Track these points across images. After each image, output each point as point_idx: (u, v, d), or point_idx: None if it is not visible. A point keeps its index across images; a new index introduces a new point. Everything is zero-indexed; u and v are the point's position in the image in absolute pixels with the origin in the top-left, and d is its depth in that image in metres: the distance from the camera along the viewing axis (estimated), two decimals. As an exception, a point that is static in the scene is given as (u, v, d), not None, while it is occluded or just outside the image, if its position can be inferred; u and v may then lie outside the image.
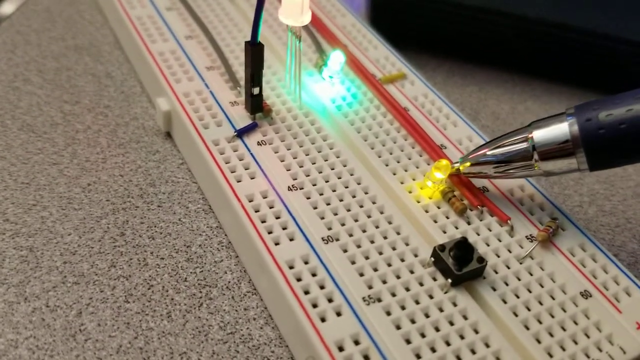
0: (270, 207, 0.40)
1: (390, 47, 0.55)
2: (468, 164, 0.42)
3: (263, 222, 0.39)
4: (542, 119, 0.40)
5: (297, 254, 0.38)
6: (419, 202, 0.42)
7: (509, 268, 0.39)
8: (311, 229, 0.39)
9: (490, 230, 0.41)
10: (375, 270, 0.37)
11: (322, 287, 0.36)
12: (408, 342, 0.34)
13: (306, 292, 0.36)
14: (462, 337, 0.35)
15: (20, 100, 0.51)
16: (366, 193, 0.42)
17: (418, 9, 0.60)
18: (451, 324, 0.35)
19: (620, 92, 0.38)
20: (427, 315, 0.36)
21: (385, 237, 0.39)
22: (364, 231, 0.40)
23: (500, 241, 0.40)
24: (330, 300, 0.36)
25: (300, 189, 0.42)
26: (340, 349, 0.34)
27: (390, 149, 0.45)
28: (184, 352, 0.37)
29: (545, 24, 0.58)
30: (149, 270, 0.41)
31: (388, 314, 0.35)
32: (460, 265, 0.37)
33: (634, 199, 0.50)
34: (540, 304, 0.37)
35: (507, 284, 0.38)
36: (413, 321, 0.35)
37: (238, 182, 0.42)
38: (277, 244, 0.38)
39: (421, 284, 0.37)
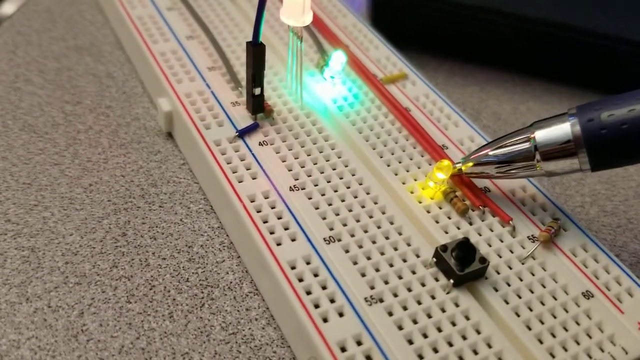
0: (272, 208, 0.40)
1: (392, 47, 0.55)
2: (470, 164, 0.42)
3: (265, 222, 0.39)
4: (544, 119, 0.40)
5: (298, 254, 0.38)
6: (420, 202, 0.42)
7: (511, 268, 0.39)
8: (313, 229, 0.39)
9: (492, 231, 0.41)
10: (377, 270, 0.37)
11: (324, 288, 0.36)
12: (410, 342, 0.34)
13: (308, 293, 0.36)
14: (464, 338, 0.35)
15: (21, 100, 0.51)
16: (368, 193, 0.42)
17: (419, 8, 0.60)
18: (453, 324, 0.35)
19: (620, 92, 0.38)
20: (429, 316, 0.36)
21: (387, 238, 0.39)
22: (366, 231, 0.40)
23: (502, 242, 0.40)
24: (332, 301, 0.36)
25: (302, 189, 0.42)
26: (343, 349, 0.34)
27: (392, 149, 0.45)
28: (186, 352, 0.37)
29: (546, 23, 0.58)
30: (151, 270, 0.41)
31: (390, 314, 0.35)
32: (463, 265, 0.37)
33: (636, 199, 0.50)
34: (542, 304, 0.37)
35: (509, 285, 0.38)
36: (415, 322, 0.35)
37: (239, 182, 0.42)
38: (278, 244, 0.38)
39: (423, 285, 0.37)
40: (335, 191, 0.42)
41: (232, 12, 0.56)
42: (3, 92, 0.52)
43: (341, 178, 0.43)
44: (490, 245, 0.40)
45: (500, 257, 0.39)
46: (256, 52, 0.43)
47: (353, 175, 0.43)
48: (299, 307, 0.35)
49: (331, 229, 0.39)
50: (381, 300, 0.36)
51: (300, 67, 0.46)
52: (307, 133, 0.46)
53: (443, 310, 0.36)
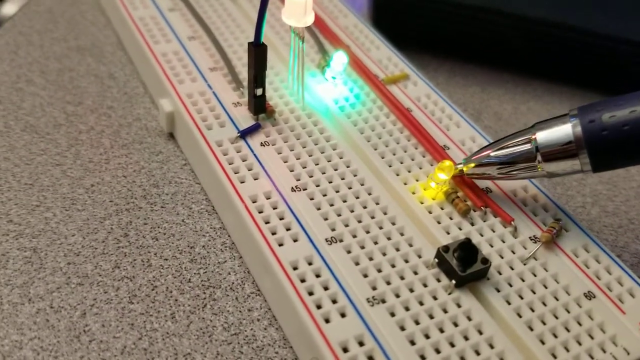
0: (274, 208, 0.40)
1: (393, 48, 0.55)
2: (471, 165, 0.42)
3: (267, 223, 0.39)
4: (545, 120, 0.40)
5: (300, 254, 0.38)
6: (422, 203, 0.42)
7: (512, 269, 0.39)
8: (315, 229, 0.39)
9: (494, 231, 0.41)
10: (379, 271, 0.38)
11: (326, 288, 0.36)
12: (412, 343, 0.34)
13: (310, 293, 0.36)
14: (466, 338, 0.35)
15: (23, 101, 0.52)
16: (370, 194, 0.42)
17: (420, 9, 0.60)
18: (455, 325, 0.36)
19: (621, 92, 0.38)
20: (431, 317, 0.36)
21: (389, 238, 0.39)
22: (368, 232, 0.40)
23: (504, 242, 0.40)
24: (334, 301, 0.36)
25: (304, 189, 0.42)
26: (345, 350, 0.34)
27: (394, 149, 0.45)
28: (188, 353, 0.37)
29: (546, 24, 0.58)
30: (153, 271, 0.41)
31: (392, 315, 0.35)
32: (464, 266, 0.37)
33: (637, 199, 0.50)
34: (544, 304, 0.37)
35: (511, 285, 0.38)
36: (417, 322, 0.35)
37: (241, 183, 0.42)
38: (280, 244, 0.38)
39: (425, 285, 0.37)
40: (337, 192, 0.42)
41: (234, 12, 0.56)
42: (5, 93, 0.52)
43: (343, 179, 0.43)
44: (492, 246, 0.40)
45: (502, 257, 0.39)
46: (258, 52, 0.43)
47: (355, 175, 0.43)
48: (301, 308, 0.35)
49: (333, 230, 0.39)
50: (383, 301, 0.36)
51: (301, 67, 0.46)
52: (308, 134, 0.46)
53: (445, 311, 0.36)
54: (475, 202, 0.42)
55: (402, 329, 0.35)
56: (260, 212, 0.40)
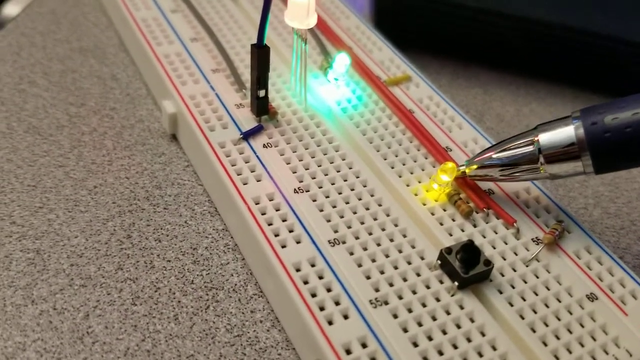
0: (277, 210, 0.40)
1: (395, 49, 0.55)
2: (474, 166, 0.42)
3: (269, 224, 0.40)
4: (547, 122, 0.40)
5: (303, 256, 0.38)
6: (425, 204, 0.42)
7: (515, 271, 0.39)
8: (317, 231, 0.39)
9: (497, 233, 0.41)
10: (382, 273, 0.38)
11: (329, 290, 0.36)
12: (415, 345, 0.34)
13: (313, 295, 0.36)
14: (469, 340, 0.35)
15: (26, 102, 0.52)
16: (372, 195, 0.42)
17: (422, 10, 0.60)
18: (458, 326, 0.36)
19: (622, 92, 0.39)
20: (434, 318, 0.36)
21: (391, 240, 0.39)
22: (370, 234, 0.40)
23: (506, 244, 0.40)
24: (337, 303, 0.36)
25: (307, 191, 0.42)
26: (348, 352, 0.34)
27: (396, 151, 0.45)
28: (191, 354, 0.37)
29: (548, 25, 0.58)
30: (156, 272, 0.41)
31: (395, 316, 0.36)
32: (467, 268, 0.37)
33: (639, 201, 0.50)
34: (547, 306, 0.37)
35: (513, 287, 0.38)
36: (420, 324, 0.35)
37: (244, 184, 0.42)
38: (283, 246, 0.38)
39: (428, 287, 0.37)
40: (340, 193, 0.42)
41: (236, 14, 0.56)
42: (8, 94, 0.52)
43: (345, 180, 0.43)
44: (494, 248, 0.40)
45: (505, 259, 0.39)
46: (261, 54, 0.43)
47: (357, 177, 0.43)
48: (304, 310, 0.35)
49: (336, 232, 0.40)
50: (386, 303, 0.36)
51: (304, 69, 0.46)
52: (311, 135, 0.46)
53: (448, 313, 0.36)
54: (478, 204, 0.42)
55: (405, 330, 0.35)
56: (263, 213, 0.40)
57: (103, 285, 0.40)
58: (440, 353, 0.34)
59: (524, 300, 0.37)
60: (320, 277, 0.37)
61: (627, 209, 0.49)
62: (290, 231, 0.39)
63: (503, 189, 0.43)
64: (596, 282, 0.39)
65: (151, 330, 0.38)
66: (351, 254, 0.38)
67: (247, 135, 0.45)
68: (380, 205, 0.42)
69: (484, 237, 0.40)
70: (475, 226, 0.41)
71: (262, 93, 0.45)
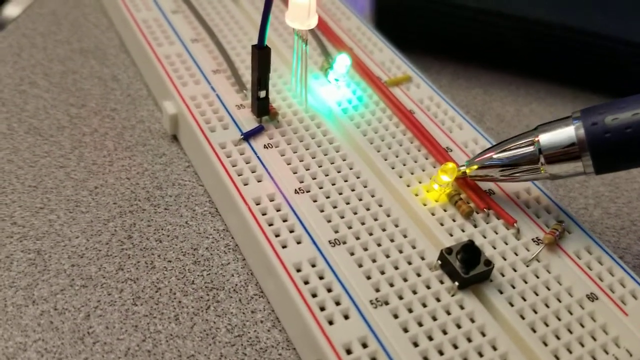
0: (277, 210, 0.41)
1: (396, 50, 0.55)
2: (474, 167, 0.42)
3: (270, 225, 0.40)
4: (548, 123, 0.40)
5: (304, 257, 0.38)
6: (425, 205, 0.42)
7: (515, 271, 0.39)
8: (318, 232, 0.39)
9: (497, 233, 0.41)
10: (383, 273, 0.38)
11: (329, 290, 0.36)
12: (415, 345, 0.34)
13: (314, 295, 0.36)
14: (469, 340, 0.35)
15: (26, 103, 0.52)
16: (373, 196, 0.42)
17: (422, 11, 0.60)
18: (458, 326, 0.36)
19: (622, 93, 0.39)
20: (434, 318, 0.36)
21: (392, 240, 0.40)
22: (371, 234, 0.40)
23: (506, 244, 0.40)
24: (337, 303, 0.36)
25: (307, 192, 0.42)
26: (348, 352, 0.34)
27: (397, 151, 0.45)
28: (191, 354, 0.37)
29: (548, 25, 0.58)
30: (157, 273, 0.41)
31: (395, 317, 0.36)
32: (467, 268, 0.37)
33: (639, 201, 0.50)
34: (547, 306, 0.37)
35: (513, 287, 0.38)
36: (420, 324, 0.35)
37: (245, 185, 0.42)
38: (284, 247, 0.38)
39: (428, 287, 0.37)
40: (340, 194, 0.42)
41: (237, 15, 0.56)
42: (8, 95, 0.52)
43: (346, 181, 0.43)
44: (494, 248, 0.40)
45: (505, 259, 0.39)
46: (261, 55, 0.43)
47: (358, 177, 0.43)
48: (305, 310, 0.35)
49: (336, 232, 0.40)
50: (386, 303, 0.36)
51: (305, 70, 0.46)
52: (311, 136, 0.46)
53: (448, 313, 0.36)
54: (478, 204, 0.42)
55: (405, 330, 0.35)
56: (264, 214, 0.40)
57: (104, 286, 0.40)
58: (441, 353, 0.34)
59: (525, 300, 0.37)
60: (321, 278, 0.37)
61: (627, 209, 0.49)
62: (291, 231, 0.39)
63: (503, 189, 0.43)
64: (596, 282, 0.39)
65: (152, 331, 0.38)
66: (352, 254, 0.38)
67: (247, 136, 0.45)
68: (380, 205, 0.42)
69: (485, 237, 0.40)
70: (475, 226, 0.41)
71: (262, 94, 0.45)
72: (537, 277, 0.39)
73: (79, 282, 0.40)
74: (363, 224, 0.40)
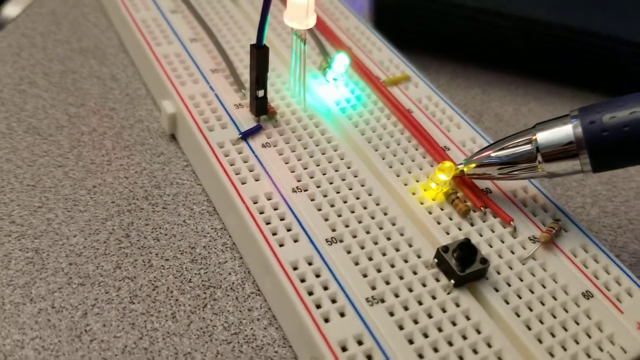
0: (275, 209, 0.41)
1: (394, 49, 0.55)
2: (472, 165, 0.42)
3: (267, 223, 0.40)
4: (546, 121, 0.40)
5: (301, 255, 0.38)
6: (422, 203, 0.42)
7: (511, 269, 0.39)
8: (315, 230, 0.40)
9: (493, 232, 0.41)
10: (379, 271, 0.38)
11: (325, 288, 0.37)
12: (411, 342, 0.34)
13: (310, 293, 0.36)
14: (464, 338, 0.35)
15: (26, 103, 0.52)
16: (370, 195, 0.42)
17: (421, 10, 0.61)
18: (454, 324, 0.36)
19: (621, 92, 0.39)
20: (430, 316, 0.36)
21: (388, 239, 0.40)
22: (368, 232, 0.40)
23: (503, 242, 0.40)
24: (333, 301, 0.36)
25: (305, 190, 0.42)
26: (344, 349, 0.34)
27: (394, 150, 0.46)
28: (188, 352, 0.37)
29: (547, 25, 0.58)
30: (154, 271, 0.41)
31: (391, 314, 0.36)
32: (463, 266, 0.37)
33: (637, 200, 0.50)
34: (542, 304, 0.37)
35: (509, 285, 0.38)
36: (416, 321, 0.35)
37: (242, 184, 0.42)
38: (281, 245, 0.39)
39: (424, 285, 0.37)
40: (338, 193, 0.42)
41: (236, 14, 0.56)
42: (8, 95, 0.52)
43: (343, 180, 0.43)
44: (491, 246, 0.40)
45: (501, 257, 0.39)
46: (260, 54, 0.43)
47: (355, 176, 0.43)
48: (301, 307, 0.35)
49: (333, 230, 0.40)
50: (382, 301, 0.36)
51: (303, 69, 0.46)
52: (309, 135, 0.46)
53: (444, 311, 0.36)
54: (475, 203, 0.42)
55: (401, 328, 0.35)
56: (261, 212, 0.40)
57: (101, 284, 0.40)
58: (436, 350, 0.34)
59: (520, 298, 0.37)
60: (317, 276, 0.37)
61: (624, 207, 0.49)
62: (288, 230, 0.39)
63: (500, 188, 0.44)
64: (592, 280, 0.39)
65: (149, 328, 0.38)
66: (348, 252, 0.39)
67: (246, 135, 0.45)
68: (378, 204, 0.42)
69: (481, 235, 0.41)
70: (472, 225, 0.41)
71: (261, 93, 0.45)
72: (533, 275, 0.39)
73: (77, 281, 0.40)
74: (360, 222, 0.40)
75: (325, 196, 0.42)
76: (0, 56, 0.56)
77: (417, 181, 0.44)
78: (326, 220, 0.40)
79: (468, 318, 0.36)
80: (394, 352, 0.34)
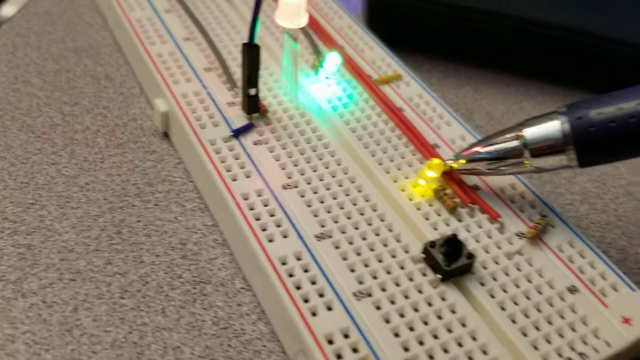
0: (265, 205, 0.41)
1: (386, 48, 0.55)
2: (461, 161, 0.42)
3: (257, 219, 0.40)
4: (534, 117, 0.40)
5: (290, 250, 0.38)
6: (411, 200, 0.42)
7: (497, 264, 0.39)
8: (304, 226, 0.40)
9: (481, 228, 0.41)
10: (367, 266, 0.38)
11: (313, 283, 0.37)
12: (397, 335, 0.35)
13: (298, 288, 0.36)
14: (450, 331, 0.35)
15: (20, 101, 0.52)
16: (359, 191, 0.42)
17: (413, 10, 0.61)
18: (440, 318, 0.36)
19: (612, 91, 0.39)
20: (416, 310, 0.36)
21: (377, 234, 0.40)
22: (357, 228, 0.40)
23: (490, 238, 0.41)
24: (321, 295, 0.36)
25: (295, 187, 0.42)
26: (330, 342, 0.34)
27: (384, 148, 0.46)
28: (177, 346, 0.37)
29: (539, 24, 0.58)
30: (145, 267, 0.41)
31: (378, 308, 0.36)
32: (450, 261, 0.37)
33: (625, 197, 0.50)
34: (528, 298, 0.37)
35: (495, 280, 0.38)
36: (402, 315, 0.36)
37: (233, 180, 0.42)
38: (270, 241, 0.39)
39: (411, 280, 0.38)
40: (328, 189, 0.42)
41: (229, 13, 0.57)
42: (2, 93, 0.53)
43: (333, 176, 0.43)
44: (478, 242, 0.40)
45: (488, 253, 0.40)
46: (251, 53, 0.43)
47: (345, 173, 0.44)
48: (288, 301, 0.36)
49: (322, 226, 0.40)
50: (369, 295, 0.36)
51: (295, 68, 0.46)
52: (301, 132, 0.46)
53: (430, 304, 0.36)
54: (463, 199, 0.42)
55: (387, 322, 0.35)
56: (252, 209, 0.41)
57: (92, 280, 0.40)
58: (421, 343, 0.35)
59: (506, 292, 0.38)
60: (306, 271, 0.37)
61: (613, 204, 0.49)
62: (278, 226, 0.40)
63: (489, 185, 0.44)
64: (577, 275, 0.39)
65: (138, 323, 0.38)
66: (337, 247, 0.39)
67: (238, 133, 0.45)
68: (367, 200, 0.42)
69: (469, 231, 0.41)
70: (460, 221, 0.41)
71: (253, 91, 0.45)
72: (519, 270, 0.39)
73: (68, 276, 0.40)
74: (349, 218, 0.41)
75: (315, 193, 0.42)
76: (-4, 55, 0.57)
77: (407, 178, 0.44)
78: (316, 216, 0.41)
79: (454, 312, 0.36)
80: (380, 345, 0.34)
